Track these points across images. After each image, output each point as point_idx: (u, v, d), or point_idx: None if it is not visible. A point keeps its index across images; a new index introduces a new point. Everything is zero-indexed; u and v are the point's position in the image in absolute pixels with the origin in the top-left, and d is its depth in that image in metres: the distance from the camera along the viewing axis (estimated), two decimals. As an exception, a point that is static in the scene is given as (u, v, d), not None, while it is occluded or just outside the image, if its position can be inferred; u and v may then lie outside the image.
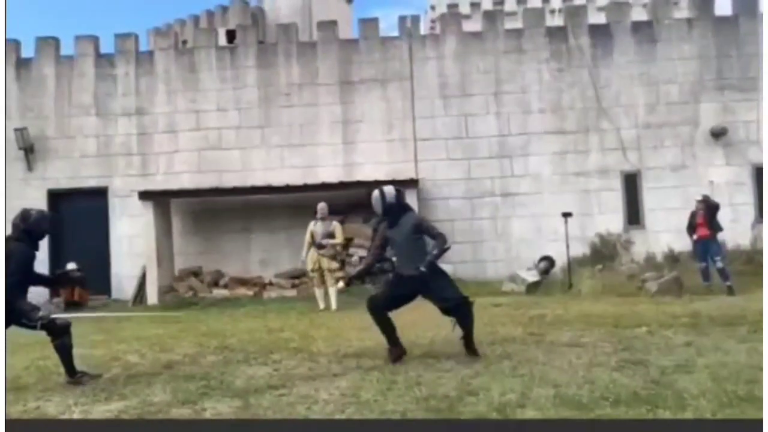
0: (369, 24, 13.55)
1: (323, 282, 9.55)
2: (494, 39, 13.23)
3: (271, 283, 12.29)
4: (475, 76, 13.12)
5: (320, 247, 9.38)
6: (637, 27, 13.28)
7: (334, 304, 9.38)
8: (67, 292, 11.58)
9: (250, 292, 11.85)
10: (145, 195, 12.19)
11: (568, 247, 11.26)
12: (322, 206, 9.64)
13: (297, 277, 12.27)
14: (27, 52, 13.37)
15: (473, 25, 14.29)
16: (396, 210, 5.54)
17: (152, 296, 11.79)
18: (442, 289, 5.43)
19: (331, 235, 9.49)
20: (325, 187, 12.22)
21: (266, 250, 12.76)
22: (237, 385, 4.82)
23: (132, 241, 12.65)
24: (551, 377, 4.58)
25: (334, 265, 9.52)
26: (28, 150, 12.88)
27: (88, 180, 13.03)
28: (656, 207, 12.66)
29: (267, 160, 13.01)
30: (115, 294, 12.69)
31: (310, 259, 9.56)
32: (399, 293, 5.50)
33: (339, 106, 13.11)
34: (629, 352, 5.39)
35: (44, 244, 13.88)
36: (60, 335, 4.96)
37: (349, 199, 11.96)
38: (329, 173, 12.76)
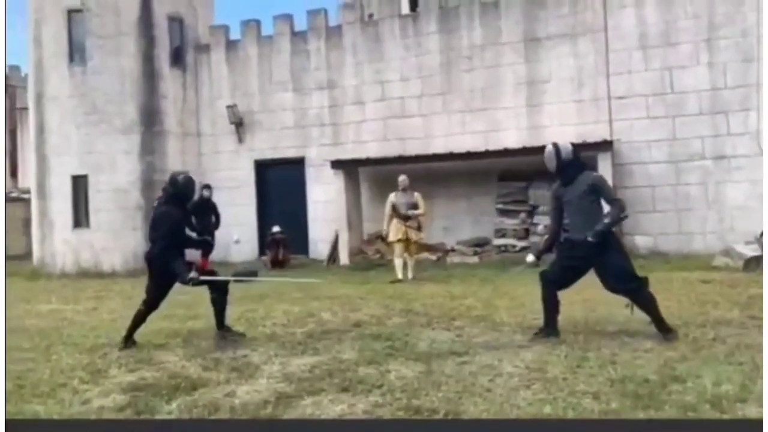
0: (557, -25, 12.59)
1: (407, 252, 9.51)
2: (708, -24, 11.48)
3: (453, 250, 12.34)
4: (682, 22, 11.53)
5: (407, 218, 9.44)
6: None
7: (410, 274, 9.43)
8: (273, 252, 12.87)
9: (434, 257, 12.02)
10: (336, 164, 12.91)
11: (800, 216, 9.53)
12: (403, 179, 9.70)
13: (480, 245, 12.15)
14: (234, 34, 14.80)
15: (681, -36, 12.51)
16: (572, 167, 5.06)
17: (344, 258, 12.58)
18: (617, 268, 4.81)
19: (415, 206, 9.55)
20: (507, 152, 11.81)
21: (448, 217, 12.78)
22: (420, 348, 4.89)
23: (326, 207, 13.53)
24: (780, 369, 3.89)
25: (421, 235, 9.65)
26: (238, 124, 14.36)
27: (288, 150, 14.16)
28: None
29: (448, 126, 12.92)
30: (312, 254, 13.77)
31: (394, 229, 9.54)
32: (570, 264, 4.97)
33: (523, 66, 12.47)
34: None
35: (251, 209, 15.43)
36: (217, 290, 5.54)
37: (533, 165, 11.39)
38: (512, 138, 12.29)
